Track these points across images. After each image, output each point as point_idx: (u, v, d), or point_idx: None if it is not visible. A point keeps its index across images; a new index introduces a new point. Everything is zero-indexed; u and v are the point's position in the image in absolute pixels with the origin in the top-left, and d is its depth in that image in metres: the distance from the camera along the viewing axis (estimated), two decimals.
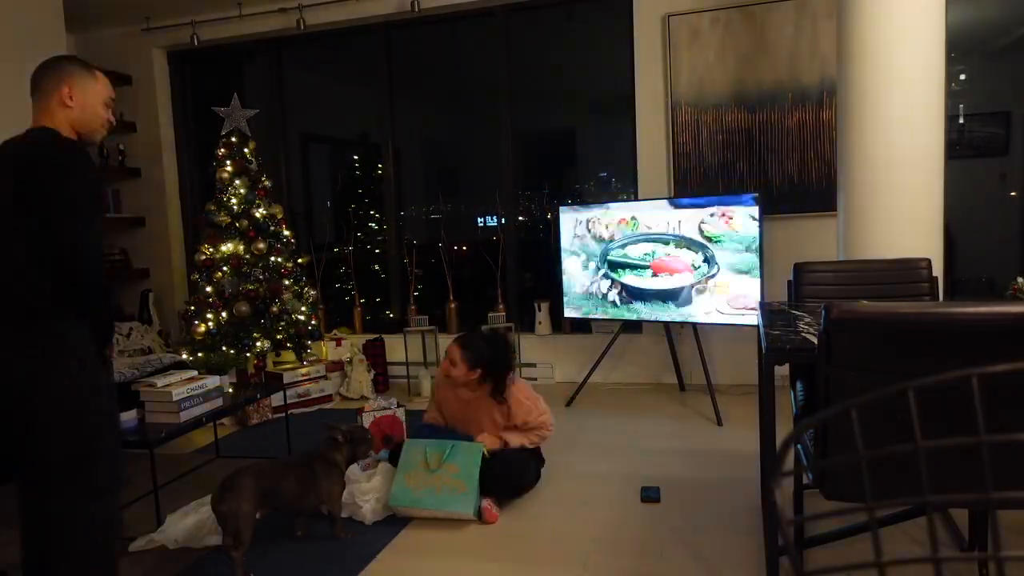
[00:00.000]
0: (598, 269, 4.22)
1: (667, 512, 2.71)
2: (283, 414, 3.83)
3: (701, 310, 3.92)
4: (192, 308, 4.40)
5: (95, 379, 1.80)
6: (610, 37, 4.75)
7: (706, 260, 3.86)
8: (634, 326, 4.62)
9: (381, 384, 4.86)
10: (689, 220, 3.89)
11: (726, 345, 4.52)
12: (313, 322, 4.59)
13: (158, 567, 2.44)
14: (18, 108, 4.16)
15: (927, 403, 1.42)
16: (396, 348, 5.01)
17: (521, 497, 2.86)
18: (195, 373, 3.06)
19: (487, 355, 2.84)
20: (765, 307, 2.49)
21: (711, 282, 3.86)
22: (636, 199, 4.49)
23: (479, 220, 5.31)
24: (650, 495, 2.82)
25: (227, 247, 4.40)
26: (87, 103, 1.88)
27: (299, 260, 4.68)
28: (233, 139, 4.50)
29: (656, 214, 4.00)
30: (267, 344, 4.37)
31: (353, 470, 2.92)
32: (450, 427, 3.01)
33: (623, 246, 4.11)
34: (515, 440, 2.89)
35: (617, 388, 4.65)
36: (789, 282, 2.73)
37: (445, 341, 4.91)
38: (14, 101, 4.21)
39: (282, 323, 4.41)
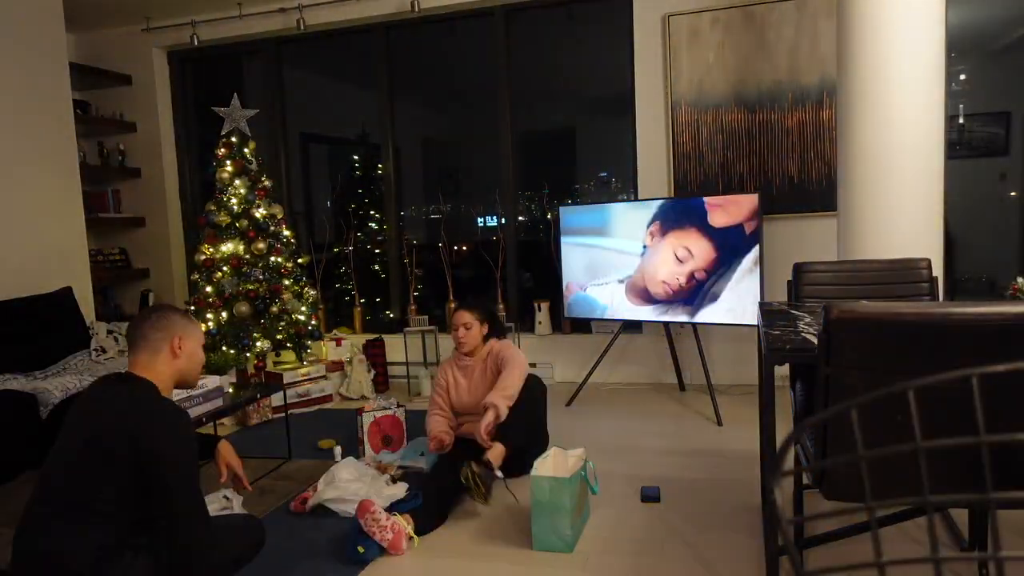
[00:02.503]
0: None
1: (667, 512, 2.71)
2: (283, 414, 3.83)
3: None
4: (192, 308, 4.40)
5: None
6: (610, 37, 4.75)
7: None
8: (634, 326, 4.62)
9: (381, 384, 4.86)
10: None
11: (726, 345, 4.53)
12: (313, 322, 4.59)
13: None
14: (18, 107, 4.18)
15: (927, 403, 1.43)
16: (396, 348, 5.01)
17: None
18: None
19: (486, 306, 3.16)
20: (765, 307, 2.49)
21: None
22: (636, 199, 4.49)
23: (479, 220, 5.31)
24: (650, 495, 2.82)
25: (227, 247, 4.41)
26: (193, 351, 1.94)
27: (299, 260, 4.68)
28: (233, 139, 4.50)
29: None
30: (267, 344, 4.37)
31: (360, 473, 2.92)
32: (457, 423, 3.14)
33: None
34: (503, 404, 2.88)
35: (617, 388, 4.65)
36: (789, 282, 2.73)
37: (445, 341, 4.95)
38: (14, 100, 4.23)
39: (282, 323, 4.41)
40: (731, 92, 4.36)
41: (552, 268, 4.93)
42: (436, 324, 4.97)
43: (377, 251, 5.56)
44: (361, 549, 2.41)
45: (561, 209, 4.41)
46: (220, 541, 1.83)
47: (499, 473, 2.77)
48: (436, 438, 2.97)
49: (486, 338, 3.14)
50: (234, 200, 4.44)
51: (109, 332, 4.72)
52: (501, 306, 5.01)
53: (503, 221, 5.07)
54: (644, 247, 4.06)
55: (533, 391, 3.01)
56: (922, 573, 2.10)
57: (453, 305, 5.06)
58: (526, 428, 2.93)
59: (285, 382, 4.31)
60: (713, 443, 3.48)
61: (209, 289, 4.38)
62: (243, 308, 4.28)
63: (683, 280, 3.95)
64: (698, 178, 4.46)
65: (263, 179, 4.56)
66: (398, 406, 3.51)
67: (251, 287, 4.35)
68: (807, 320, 2.17)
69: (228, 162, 4.47)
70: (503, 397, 2.86)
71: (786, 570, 2.16)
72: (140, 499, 1.73)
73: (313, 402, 4.51)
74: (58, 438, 1.81)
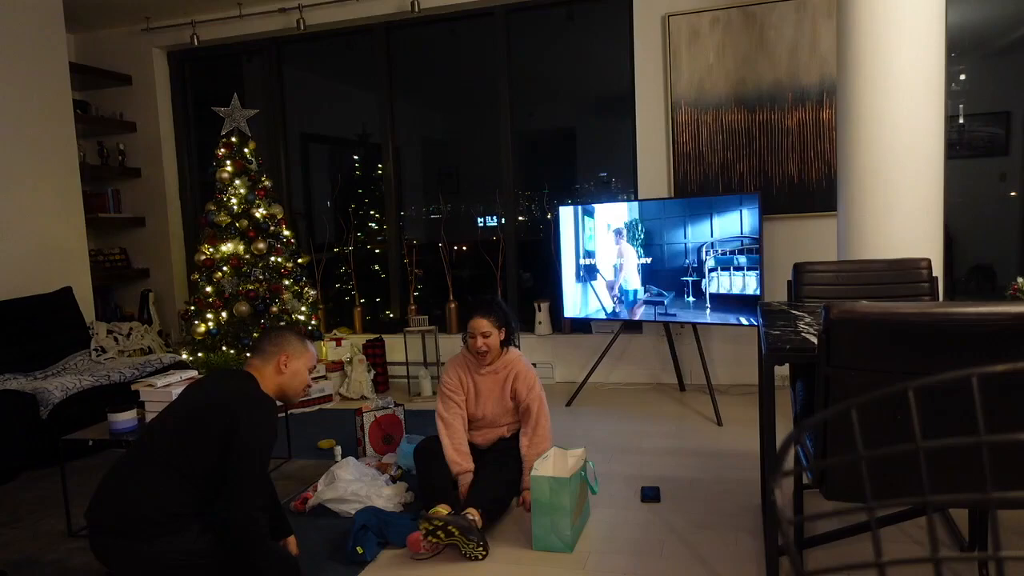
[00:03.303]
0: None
1: (667, 512, 2.71)
2: (283, 414, 3.83)
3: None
4: (192, 308, 4.40)
5: None
6: (610, 37, 4.75)
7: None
8: (634, 326, 4.62)
9: (381, 384, 4.86)
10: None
11: (726, 345, 4.53)
12: (313, 322, 4.59)
13: None
14: (18, 107, 4.18)
15: (927, 403, 1.43)
16: (396, 348, 5.01)
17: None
18: (195, 373, 3.06)
19: (502, 309, 2.93)
20: (765, 307, 2.49)
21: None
22: (636, 199, 4.49)
23: (479, 220, 5.31)
24: (650, 495, 2.82)
25: (227, 247, 4.41)
26: (297, 371, 2.21)
27: (299, 260, 4.68)
28: (233, 139, 4.50)
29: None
30: None
31: (362, 472, 2.92)
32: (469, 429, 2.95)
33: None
34: (533, 456, 2.75)
35: (617, 388, 4.65)
36: (789, 282, 2.73)
37: (445, 341, 4.95)
38: (14, 100, 4.23)
39: (282, 323, 4.41)
40: (731, 92, 4.36)
41: (552, 268, 4.93)
42: (436, 324, 4.97)
43: (377, 251, 5.56)
44: (360, 550, 2.41)
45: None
46: (270, 555, 1.98)
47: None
48: (461, 472, 2.78)
49: (502, 344, 2.92)
50: (234, 200, 4.44)
51: (109, 332, 4.72)
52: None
53: (503, 221, 5.07)
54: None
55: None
56: (922, 573, 2.10)
57: (454, 304, 5.06)
58: (506, 485, 2.75)
59: None
60: (713, 443, 3.48)
61: (209, 289, 4.38)
62: (243, 308, 4.28)
63: None
64: (698, 178, 4.46)
65: (263, 179, 4.56)
66: (396, 405, 3.51)
67: (251, 287, 4.35)
68: (807, 320, 2.17)
69: (228, 162, 4.47)
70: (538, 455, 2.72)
71: (786, 570, 2.16)
72: (218, 476, 1.93)
73: (313, 402, 4.51)
74: (168, 405, 2.10)
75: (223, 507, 1.92)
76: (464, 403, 2.93)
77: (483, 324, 2.84)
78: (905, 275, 2.57)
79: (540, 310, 4.88)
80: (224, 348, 4.29)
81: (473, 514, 2.48)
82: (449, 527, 2.37)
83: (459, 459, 2.79)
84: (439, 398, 2.95)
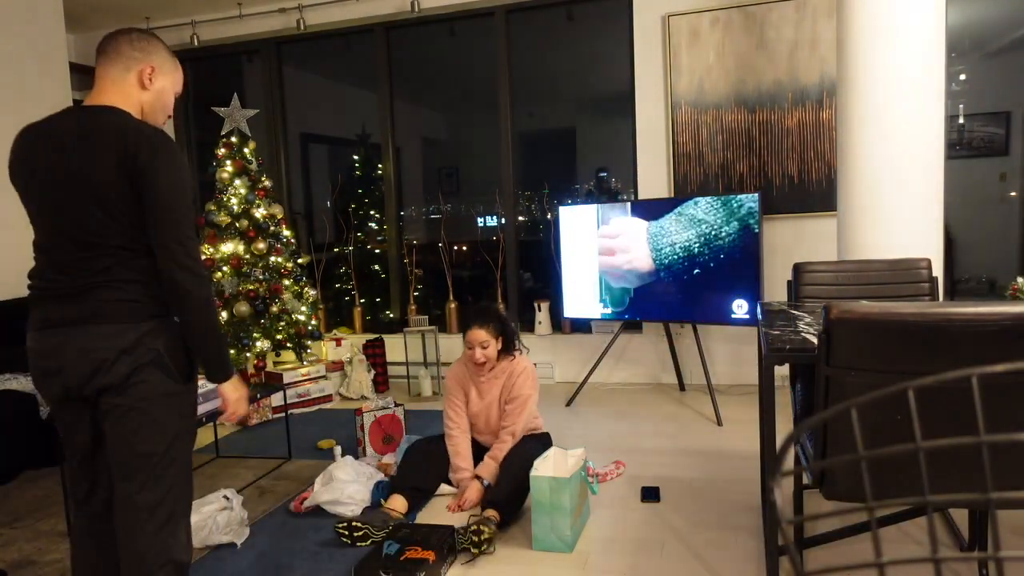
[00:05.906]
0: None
1: (667, 512, 2.71)
2: (283, 414, 3.83)
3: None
4: None
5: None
6: (610, 37, 4.75)
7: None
8: (634, 326, 4.62)
9: (381, 384, 4.86)
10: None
11: (726, 345, 4.53)
12: (313, 322, 4.59)
13: None
14: (18, 107, 4.18)
15: (927, 403, 1.42)
16: (396, 348, 5.01)
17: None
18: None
19: (498, 316, 2.89)
20: (765, 307, 2.49)
21: None
22: (636, 199, 4.49)
23: (479, 220, 5.31)
24: (650, 495, 2.82)
25: (227, 247, 4.40)
26: (164, 89, 1.75)
27: (299, 260, 4.68)
28: (233, 139, 4.50)
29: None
30: (267, 344, 4.37)
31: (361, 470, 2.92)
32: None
33: None
34: (501, 453, 2.82)
35: (617, 388, 4.65)
36: (789, 282, 2.73)
37: (445, 341, 4.95)
38: (14, 100, 4.23)
39: (282, 323, 4.41)
40: (731, 92, 4.36)
41: (552, 268, 4.93)
42: (436, 324, 4.97)
43: (377, 251, 5.56)
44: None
45: None
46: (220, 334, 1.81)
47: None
48: (461, 487, 2.84)
49: (504, 351, 2.91)
50: (234, 200, 4.44)
51: None
52: (502, 304, 5.01)
53: (503, 221, 5.07)
54: None
55: (529, 453, 2.69)
56: (922, 573, 2.10)
57: (454, 304, 5.06)
58: (512, 490, 2.67)
59: (285, 382, 4.31)
60: (713, 443, 3.48)
61: None
62: (243, 308, 4.28)
63: None
64: (698, 178, 4.46)
65: (263, 179, 4.56)
66: (396, 405, 3.51)
67: (251, 287, 4.35)
68: (807, 320, 2.17)
69: (228, 162, 4.46)
70: (493, 462, 2.81)
71: (786, 570, 2.16)
72: (135, 228, 1.68)
73: (313, 402, 4.51)
74: (30, 181, 1.79)
75: (164, 269, 1.66)
76: (466, 404, 2.98)
77: (480, 334, 2.82)
78: (905, 275, 2.57)
79: (540, 310, 4.88)
80: None
81: (492, 514, 2.56)
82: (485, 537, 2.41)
83: (462, 464, 2.88)
84: (445, 401, 3.01)
